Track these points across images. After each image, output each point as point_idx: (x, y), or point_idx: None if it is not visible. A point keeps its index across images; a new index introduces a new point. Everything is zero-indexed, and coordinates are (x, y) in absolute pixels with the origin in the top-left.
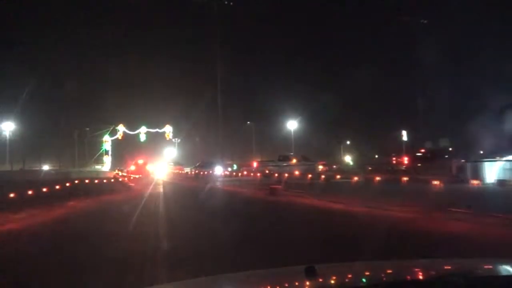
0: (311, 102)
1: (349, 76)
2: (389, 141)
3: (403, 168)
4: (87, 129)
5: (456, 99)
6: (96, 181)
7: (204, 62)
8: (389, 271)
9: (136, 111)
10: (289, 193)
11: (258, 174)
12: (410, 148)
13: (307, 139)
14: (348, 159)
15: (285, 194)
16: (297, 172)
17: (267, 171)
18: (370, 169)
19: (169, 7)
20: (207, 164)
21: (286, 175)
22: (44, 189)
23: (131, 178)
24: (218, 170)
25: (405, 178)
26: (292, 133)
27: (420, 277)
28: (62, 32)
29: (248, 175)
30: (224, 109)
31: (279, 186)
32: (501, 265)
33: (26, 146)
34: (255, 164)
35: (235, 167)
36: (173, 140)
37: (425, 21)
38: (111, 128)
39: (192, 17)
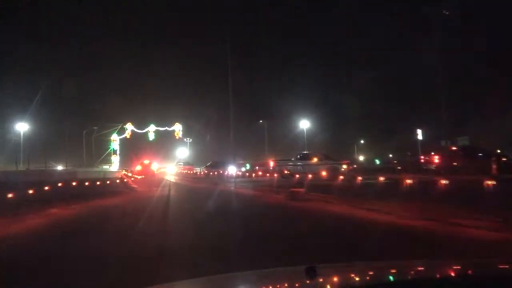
0: (324, 101)
1: (362, 74)
2: (404, 140)
3: (433, 168)
4: (95, 128)
5: (471, 96)
6: (86, 183)
7: (214, 60)
8: (389, 271)
9: (145, 109)
10: (313, 197)
11: (275, 175)
12: (429, 147)
13: (320, 137)
14: (362, 158)
15: (309, 198)
16: (324, 173)
17: (285, 171)
18: (399, 169)
19: (180, 6)
20: (218, 164)
21: (310, 176)
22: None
23: (133, 179)
24: (231, 170)
25: (443, 179)
26: (305, 131)
27: (420, 277)
28: (68, 31)
29: (263, 175)
30: (235, 107)
31: (301, 189)
32: (501, 265)
33: (33, 146)
34: (271, 164)
35: (247, 166)
36: (185, 140)
37: (447, 13)
38: (119, 126)
39: (203, 15)
